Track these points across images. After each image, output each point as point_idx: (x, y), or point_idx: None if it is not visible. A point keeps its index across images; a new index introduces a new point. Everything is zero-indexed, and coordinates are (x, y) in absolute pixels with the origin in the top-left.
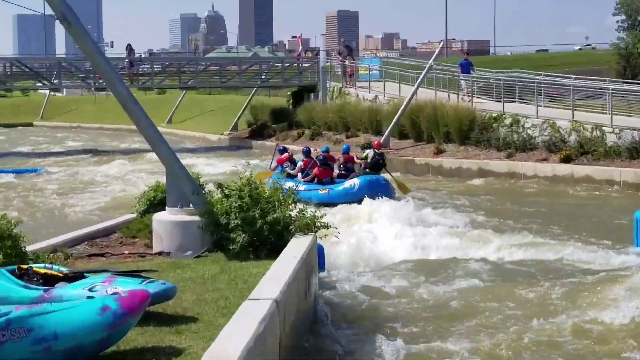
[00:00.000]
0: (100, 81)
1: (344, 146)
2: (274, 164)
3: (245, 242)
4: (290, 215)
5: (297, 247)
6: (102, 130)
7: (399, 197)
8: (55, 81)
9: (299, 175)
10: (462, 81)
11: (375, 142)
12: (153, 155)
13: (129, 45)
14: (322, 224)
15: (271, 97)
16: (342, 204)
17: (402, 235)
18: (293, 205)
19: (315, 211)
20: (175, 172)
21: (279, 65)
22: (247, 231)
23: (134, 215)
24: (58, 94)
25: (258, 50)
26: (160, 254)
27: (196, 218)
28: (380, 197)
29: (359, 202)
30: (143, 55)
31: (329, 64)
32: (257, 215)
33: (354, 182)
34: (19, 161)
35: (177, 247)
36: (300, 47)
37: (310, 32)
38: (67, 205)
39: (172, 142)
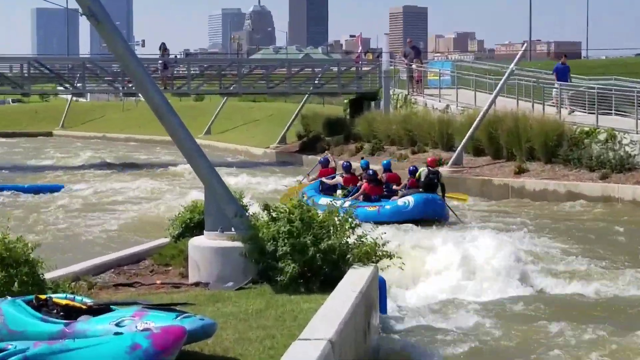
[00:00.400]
0: (130, 85)
1: (384, 161)
2: (314, 175)
3: (295, 273)
4: (347, 242)
5: (355, 280)
6: (131, 141)
7: (452, 221)
8: (78, 85)
9: (338, 192)
10: (554, 89)
11: (429, 159)
12: (189, 171)
13: (163, 44)
14: (384, 252)
15: (325, 105)
16: (393, 223)
17: (477, 268)
18: (350, 230)
19: (377, 238)
20: (216, 191)
21: (335, 69)
22: (298, 260)
23: (167, 239)
24: (81, 100)
25: (310, 52)
26: (197, 284)
27: (239, 244)
28: (436, 220)
29: (414, 222)
30: (178, 56)
31: (392, 67)
32: (309, 241)
33: (407, 200)
34: (37, 176)
35: (216, 277)
36: (360, 48)
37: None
38: (90, 227)
39: (210, 155)
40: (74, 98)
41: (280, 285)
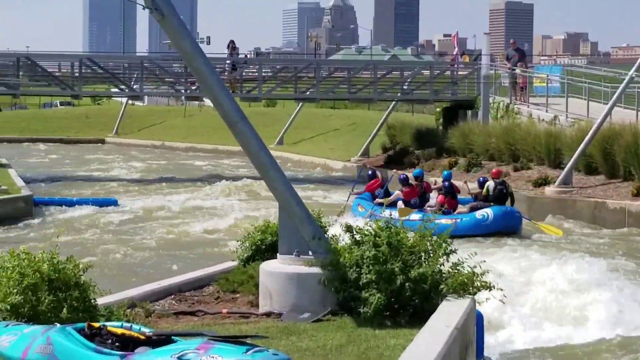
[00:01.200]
0: (194, 88)
1: (445, 172)
2: (361, 189)
3: (380, 304)
4: (440, 270)
5: (449, 314)
6: (194, 151)
7: (526, 233)
8: (135, 86)
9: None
10: None
11: (493, 170)
12: (261, 185)
13: (232, 42)
14: (483, 283)
15: (415, 114)
16: (470, 236)
17: (594, 301)
18: (445, 257)
19: (474, 266)
20: (291, 210)
21: (426, 73)
22: (384, 290)
23: (235, 263)
24: (138, 103)
25: (398, 53)
26: (269, 315)
27: (317, 270)
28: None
29: (493, 234)
30: (248, 56)
31: (493, 72)
32: (397, 269)
33: (486, 212)
34: (88, 189)
35: (291, 306)
36: (456, 49)
37: (469, 29)
38: (148, 247)
39: (283, 169)
40: (130, 101)
41: (363, 318)
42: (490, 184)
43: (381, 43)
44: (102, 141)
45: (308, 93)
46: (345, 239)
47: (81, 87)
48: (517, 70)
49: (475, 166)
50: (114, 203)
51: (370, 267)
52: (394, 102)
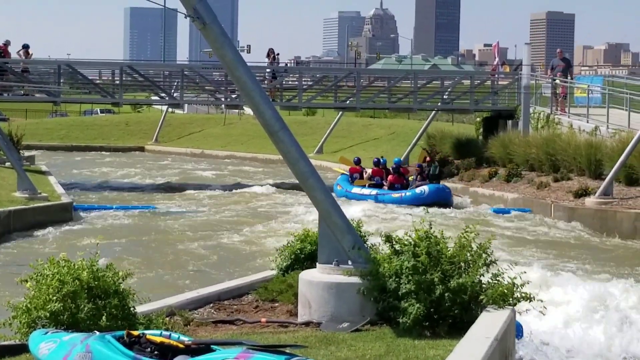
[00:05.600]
0: (234, 96)
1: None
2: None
3: (419, 314)
4: (480, 281)
5: (489, 325)
6: (232, 158)
7: (459, 203)
8: (175, 94)
9: (367, 183)
10: None
11: (427, 158)
12: (300, 194)
13: (272, 50)
14: (523, 294)
15: (455, 123)
16: (411, 206)
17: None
18: (485, 268)
19: (514, 277)
20: (331, 219)
21: (467, 82)
22: (423, 300)
23: (274, 272)
24: (178, 111)
25: (439, 62)
26: (307, 324)
27: (356, 280)
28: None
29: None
30: (288, 64)
31: (534, 82)
32: (436, 279)
33: (423, 189)
34: (127, 196)
35: (329, 316)
36: (497, 59)
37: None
38: (185, 255)
39: (322, 177)
40: (170, 109)
41: (402, 328)
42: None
43: (422, 52)
44: (142, 149)
45: (348, 102)
46: (384, 249)
47: (122, 94)
48: (557, 80)
49: (515, 176)
50: (153, 209)
51: (410, 277)
52: (434, 112)
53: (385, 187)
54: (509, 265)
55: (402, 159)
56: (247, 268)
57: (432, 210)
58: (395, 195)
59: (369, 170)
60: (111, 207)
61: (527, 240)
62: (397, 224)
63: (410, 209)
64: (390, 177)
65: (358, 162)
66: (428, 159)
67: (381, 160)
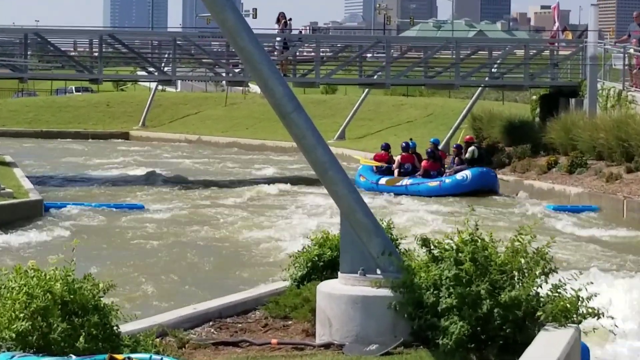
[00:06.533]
0: (237, 70)
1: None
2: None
3: (463, 334)
4: (537, 293)
5: (548, 346)
6: (236, 146)
7: (504, 191)
8: (166, 69)
9: (396, 172)
10: None
11: (467, 137)
12: (319, 189)
13: (282, 15)
14: (590, 310)
15: (505, 102)
16: (453, 196)
17: None
18: (543, 277)
19: (579, 289)
20: (356, 219)
21: (520, 53)
22: (468, 317)
23: (286, 283)
24: (169, 89)
25: (486, 28)
26: (327, 346)
27: (386, 292)
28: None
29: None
30: (303, 32)
31: (602, 51)
32: (483, 291)
33: (465, 174)
34: (109, 192)
35: (354, 336)
36: (557, 24)
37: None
38: (180, 263)
39: (345, 168)
40: (160, 87)
41: (442, 351)
42: (473, 148)
43: (465, 17)
44: (126, 135)
45: (375, 77)
46: (420, 255)
47: (101, 69)
48: (631, 50)
49: (579, 166)
50: (140, 209)
51: (451, 289)
52: (480, 89)
53: (419, 175)
54: (573, 275)
55: (455, 145)
56: (254, 279)
57: (477, 203)
58: (432, 184)
59: (398, 157)
60: (89, 205)
61: (594, 245)
62: (438, 225)
63: (449, 203)
64: (424, 162)
65: (386, 148)
66: (468, 137)
67: (410, 143)
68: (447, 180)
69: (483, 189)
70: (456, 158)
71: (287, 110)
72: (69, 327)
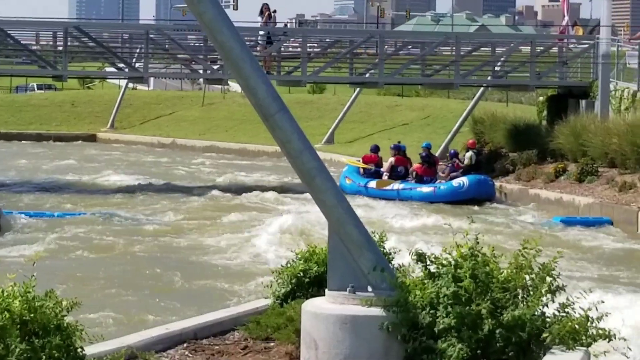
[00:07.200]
0: (216, 67)
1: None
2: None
3: (462, 358)
4: (543, 313)
5: None
6: (214, 151)
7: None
8: (137, 65)
9: (386, 175)
10: None
11: (470, 141)
12: (305, 197)
13: (266, 6)
14: (600, 331)
15: (510, 104)
16: (448, 203)
17: None
18: (549, 296)
19: (588, 309)
20: (346, 232)
21: (526, 50)
22: (467, 338)
23: (268, 301)
24: (141, 87)
25: (489, 22)
26: None
27: (378, 312)
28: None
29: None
30: (289, 26)
31: (615, 49)
32: (484, 311)
33: (462, 181)
34: (73, 200)
35: None
36: (566, 18)
37: None
38: (151, 279)
39: (333, 175)
40: (131, 85)
41: None
42: (470, 154)
43: (466, 9)
44: (93, 137)
45: (368, 75)
46: (416, 271)
47: (66, 64)
48: None
49: (590, 174)
50: (110, 217)
51: (449, 309)
52: (482, 89)
53: (411, 180)
54: (582, 293)
55: (449, 150)
56: (232, 296)
57: (476, 213)
58: (426, 189)
59: (392, 159)
60: (52, 214)
61: (606, 261)
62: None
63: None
64: (416, 166)
65: (376, 149)
66: (471, 142)
67: (400, 146)
68: (442, 187)
69: (480, 197)
70: (450, 164)
71: (271, 111)
72: (29, 348)
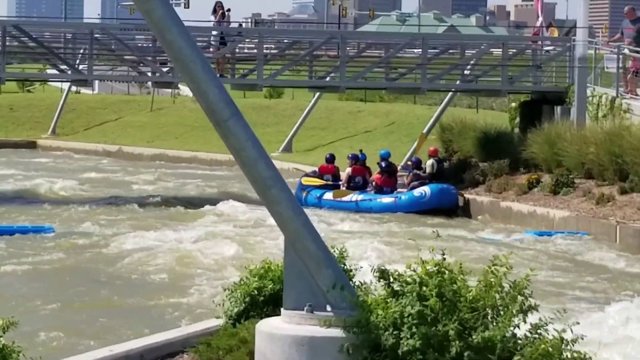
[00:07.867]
0: (165, 69)
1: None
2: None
3: None
4: (514, 334)
5: None
6: (163, 158)
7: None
8: (81, 67)
9: (344, 186)
10: None
11: (431, 149)
12: (260, 210)
13: (220, 5)
14: (575, 354)
15: (480, 110)
16: (409, 213)
17: None
18: (521, 315)
19: (563, 330)
20: (303, 246)
21: (498, 52)
22: None
23: (220, 321)
24: (85, 91)
25: (458, 23)
26: None
27: (338, 332)
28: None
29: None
30: (244, 25)
31: (592, 52)
32: (452, 331)
33: (424, 190)
34: (12, 212)
35: None
36: (540, 19)
37: None
38: (94, 296)
39: (290, 186)
40: (74, 88)
41: None
42: (432, 162)
43: (433, 9)
44: (33, 144)
45: (328, 79)
46: (378, 289)
47: (4, 66)
48: (625, 50)
49: (565, 186)
50: (48, 231)
51: (414, 329)
52: (450, 94)
53: (371, 190)
54: (556, 313)
55: (411, 158)
56: (181, 315)
57: (442, 226)
58: (387, 200)
59: (349, 169)
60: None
61: (582, 278)
62: (397, 253)
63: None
64: (376, 176)
65: (331, 159)
66: (432, 149)
67: (360, 155)
68: (404, 197)
69: (442, 207)
70: (411, 173)
71: (223, 117)
72: None
